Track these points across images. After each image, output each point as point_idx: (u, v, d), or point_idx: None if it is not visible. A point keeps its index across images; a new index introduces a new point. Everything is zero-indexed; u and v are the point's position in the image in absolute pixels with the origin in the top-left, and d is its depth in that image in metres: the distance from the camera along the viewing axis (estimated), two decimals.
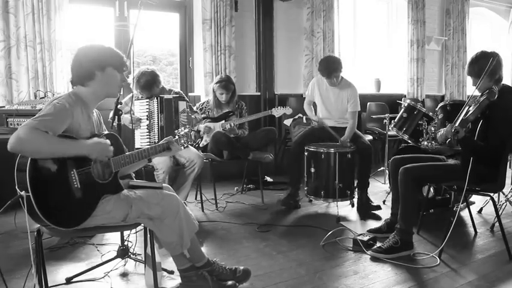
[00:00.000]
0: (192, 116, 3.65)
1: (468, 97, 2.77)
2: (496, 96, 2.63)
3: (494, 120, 2.65)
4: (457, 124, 2.61)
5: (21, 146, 1.72)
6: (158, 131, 3.40)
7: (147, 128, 3.44)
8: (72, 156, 1.86)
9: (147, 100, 3.45)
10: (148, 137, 3.44)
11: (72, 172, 1.86)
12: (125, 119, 3.25)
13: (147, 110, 3.44)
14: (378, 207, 3.77)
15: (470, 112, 2.64)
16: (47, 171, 1.79)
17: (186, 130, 2.27)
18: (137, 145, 3.46)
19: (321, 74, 3.92)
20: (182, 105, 3.52)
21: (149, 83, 3.47)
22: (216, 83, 4.08)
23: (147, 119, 3.44)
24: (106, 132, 2.15)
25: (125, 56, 2.16)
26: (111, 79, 2.06)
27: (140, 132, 3.47)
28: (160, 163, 3.27)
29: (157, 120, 3.40)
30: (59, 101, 1.90)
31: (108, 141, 1.98)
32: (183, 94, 3.82)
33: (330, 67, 3.84)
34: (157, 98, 3.40)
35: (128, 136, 3.43)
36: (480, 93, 2.74)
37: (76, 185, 1.86)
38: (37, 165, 1.76)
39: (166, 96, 3.45)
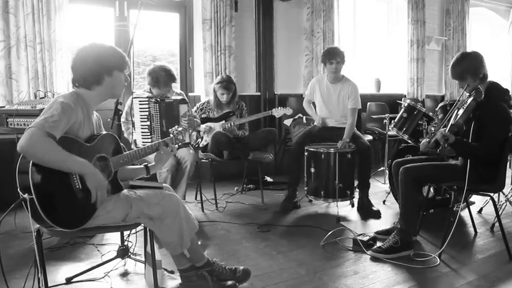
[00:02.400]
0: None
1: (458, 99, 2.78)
2: (483, 95, 2.63)
3: (486, 120, 2.65)
4: (447, 130, 2.62)
5: (30, 149, 1.70)
6: (159, 132, 3.39)
7: (148, 129, 3.43)
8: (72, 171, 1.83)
9: (147, 100, 3.43)
10: (150, 137, 3.42)
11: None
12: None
13: (147, 109, 3.43)
14: (378, 213, 3.69)
15: (459, 116, 2.65)
16: (49, 173, 1.77)
17: (181, 129, 2.27)
18: (139, 145, 3.45)
19: (323, 58, 3.97)
20: (184, 108, 3.51)
21: (166, 82, 3.50)
22: (217, 83, 4.07)
23: (147, 119, 3.43)
24: (104, 132, 2.15)
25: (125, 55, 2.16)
26: (117, 82, 2.06)
27: (141, 132, 3.46)
28: None
29: (158, 122, 3.39)
30: (64, 99, 1.89)
31: (106, 185, 1.92)
32: (184, 95, 3.81)
33: (332, 51, 3.92)
34: (157, 101, 3.39)
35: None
36: (468, 94, 2.74)
37: (78, 186, 1.85)
38: (38, 167, 1.75)
39: (167, 99, 3.44)
